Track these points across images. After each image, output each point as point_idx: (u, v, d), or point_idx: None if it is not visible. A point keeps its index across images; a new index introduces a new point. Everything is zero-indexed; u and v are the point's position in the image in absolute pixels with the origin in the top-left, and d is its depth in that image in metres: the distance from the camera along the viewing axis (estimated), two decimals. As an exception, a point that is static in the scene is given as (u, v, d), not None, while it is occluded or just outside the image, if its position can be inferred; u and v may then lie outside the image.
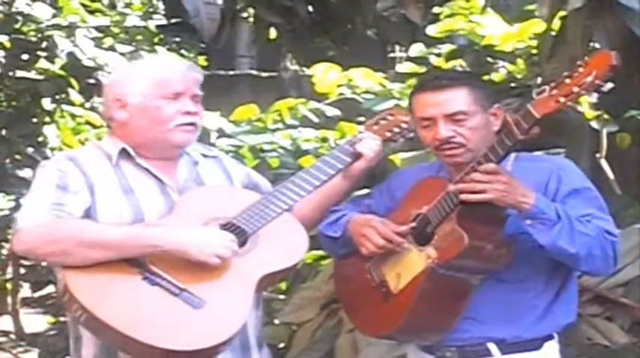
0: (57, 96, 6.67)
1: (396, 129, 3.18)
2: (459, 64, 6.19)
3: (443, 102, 2.85)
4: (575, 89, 2.57)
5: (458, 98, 2.86)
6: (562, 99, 2.58)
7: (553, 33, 4.06)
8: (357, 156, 3.11)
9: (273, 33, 5.12)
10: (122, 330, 2.63)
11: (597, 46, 3.58)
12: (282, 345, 4.64)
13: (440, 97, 2.86)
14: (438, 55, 6.78)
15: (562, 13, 3.73)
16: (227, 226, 2.85)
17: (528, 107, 2.62)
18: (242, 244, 2.83)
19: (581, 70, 2.58)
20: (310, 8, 4.88)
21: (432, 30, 6.56)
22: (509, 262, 2.78)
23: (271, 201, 2.95)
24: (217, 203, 2.94)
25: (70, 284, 2.72)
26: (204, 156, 3.09)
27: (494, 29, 6.41)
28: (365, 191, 3.26)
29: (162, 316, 2.68)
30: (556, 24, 3.84)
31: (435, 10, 6.32)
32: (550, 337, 2.89)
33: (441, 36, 6.52)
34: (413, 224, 2.83)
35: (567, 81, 2.59)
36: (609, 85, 2.57)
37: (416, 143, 3.15)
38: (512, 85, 5.72)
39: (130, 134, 2.96)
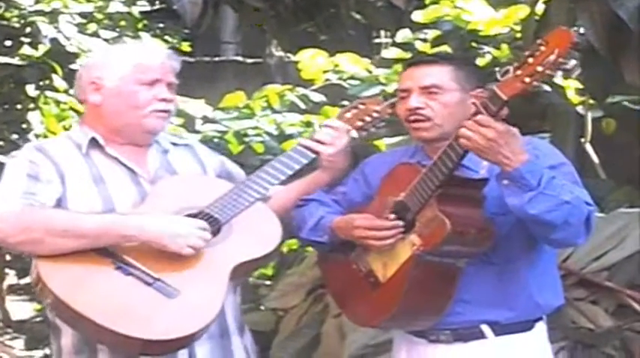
0: (41, 83, 6.64)
1: (367, 118, 3.17)
2: (444, 49, 6.19)
3: (421, 75, 2.89)
4: (540, 68, 2.54)
5: (436, 73, 2.89)
6: (527, 80, 2.56)
7: (537, 18, 4.06)
8: (320, 143, 3.10)
9: (257, 18, 5.11)
10: (96, 320, 2.61)
11: (582, 30, 3.58)
12: (268, 331, 4.64)
13: (419, 71, 2.90)
14: (424, 40, 6.78)
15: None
16: (200, 215, 2.83)
17: (494, 89, 2.60)
18: (216, 233, 2.81)
19: (542, 49, 2.55)
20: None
21: (417, 16, 6.56)
22: (492, 244, 2.78)
23: (244, 189, 2.92)
24: (190, 192, 2.92)
25: (43, 274, 2.70)
26: (174, 144, 3.08)
27: (479, 15, 6.41)
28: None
29: (137, 306, 2.66)
30: (540, 9, 3.84)
31: (421, -4, 6.33)
32: (539, 318, 2.91)
33: (427, 22, 6.52)
34: (392, 216, 2.81)
35: (530, 60, 2.56)
36: (573, 63, 2.56)
37: (401, 128, 3.14)
38: (496, 69, 5.71)
39: (101, 118, 2.94)
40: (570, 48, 2.53)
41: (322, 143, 3.08)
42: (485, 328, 2.85)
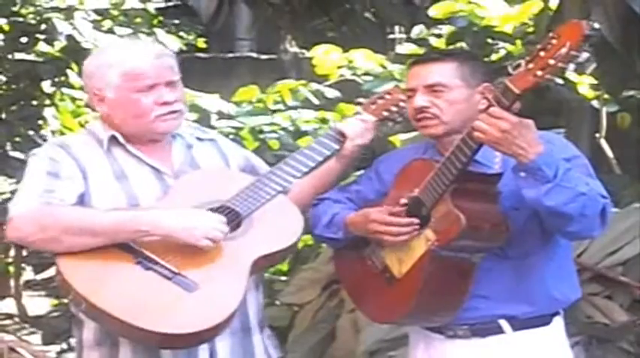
0: (56, 79, 6.65)
1: (394, 108, 3.16)
2: (459, 46, 6.19)
3: (425, 73, 2.88)
4: (552, 61, 2.53)
5: (439, 71, 2.87)
6: (539, 73, 2.54)
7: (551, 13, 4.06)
8: (343, 136, 3.10)
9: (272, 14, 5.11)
10: (117, 316, 2.62)
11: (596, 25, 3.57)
12: (283, 326, 4.65)
13: (424, 69, 2.89)
14: (438, 36, 6.79)
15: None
16: (221, 209, 2.83)
17: (506, 83, 2.59)
18: (236, 227, 2.82)
19: (554, 41, 2.54)
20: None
21: (432, 11, 6.57)
22: (507, 239, 2.78)
23: (265, 183, 2.92)
24: (213, 186, 2.92)
25: (64, 270, 2.71)
26: (199, 139, 3.06)
27: (494, 10, 6.42)
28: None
29: (157, 300, 2.67)
30: (554, 4, 3.84)
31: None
32: (557, 313, 2.91)
33: (442, 17, 6.53)
34: (404, 200, 2.81)
35: (542, 54, 2.55)
36: (585, 55, 2.55)
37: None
38: (508, 64, 5.72)
39: (114, 125, 2.92)
40: (582, 40, 2.51)
41: (347, 135, 3.08)
42: (503, 323, 2.84)
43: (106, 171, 2.88)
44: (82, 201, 2.82)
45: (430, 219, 2.76)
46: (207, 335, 2.71)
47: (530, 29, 5.81)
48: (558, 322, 2.92)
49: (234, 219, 2.83)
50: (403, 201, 2.82)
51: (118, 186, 2.86)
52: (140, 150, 2.92)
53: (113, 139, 2.92)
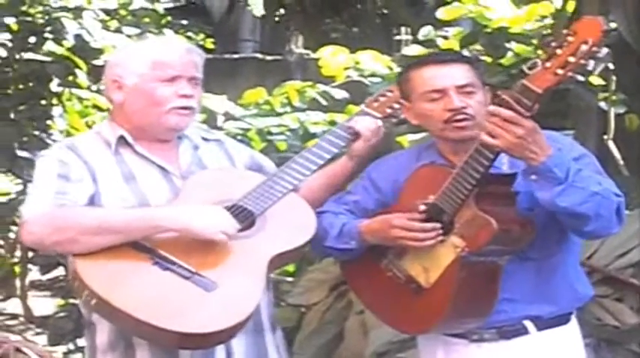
0: (64, 79, 6.65)
1: (397, 105, 3.15)
2: (474, 47, 6.19)
3: (454, 73, 2.87)
4: (572, 59, 2.53)
5: (466, 71, 2.89)
6: (560, 71, 2.54)
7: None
8: (357, 134, 3.11)
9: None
10: (135, 315, 2.63)
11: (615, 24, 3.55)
12: (291, 327, 4.64)
13: (450, 69, 2.88)
14: (445, 37, 6.77)
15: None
16: (234, 208, 2.84)
17: (525, 83, 2.58)
18: (250, 225, 2.83)
19: (570, 39, 2.53)
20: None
21: (440, 13, 6.57)
22: (534, 239, 2.78)
23: (276, 181, 2.94)
24: (222, 186, 2.93)
25: (81, 271, 2.72)
26: (205, 139, 3.08)
27: (501, 12, 6.41)
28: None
29: (175, 300, 2.68)
30: (571, 4, 3.82)
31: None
32: (573, 311, 2.94)
33: (450, 19, 6.53)
34: (423, 207, 2.79)
35: (558, 51, 2.55)
36: (605, 51, 2.54)
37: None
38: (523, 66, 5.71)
39: (126, 116, 2.95)
40: (603, 35, 2.51)
41: (362, 133, 3.09)
42: (528, 324, 2.86)
43: (115, 173, 2.89)
44: (92, 202, 2.84)
45: (453, 225, 2.74)
46: (227, 335, 2.72)
47: (545, 31, 5.80)
48: (574, 321, 2.95)
49: (248, 218, 2.83)
50: (422, 207, 2.80)
51: (127, 187, 2.87)
52: (148, 150, 2.93)
53: (121, 140, 2.93)
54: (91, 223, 2.73)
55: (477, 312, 2.83)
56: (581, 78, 2.57)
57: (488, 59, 5.94)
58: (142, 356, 2.82)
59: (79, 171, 2.86)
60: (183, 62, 2.93)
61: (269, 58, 12.03)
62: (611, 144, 5.95)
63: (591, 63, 2.55)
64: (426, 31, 7.03)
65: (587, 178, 2.68)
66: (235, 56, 12.20)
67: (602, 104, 5.79)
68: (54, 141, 6.28)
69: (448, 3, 6.72)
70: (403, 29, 10.27)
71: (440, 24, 6.82)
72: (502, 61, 6.04)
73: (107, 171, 2.89)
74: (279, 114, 6.65)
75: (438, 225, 2.77)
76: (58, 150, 2.97)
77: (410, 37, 9.08)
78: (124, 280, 2.70)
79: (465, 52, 5.92)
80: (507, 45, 6.04)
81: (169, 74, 2.90)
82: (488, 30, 6.18)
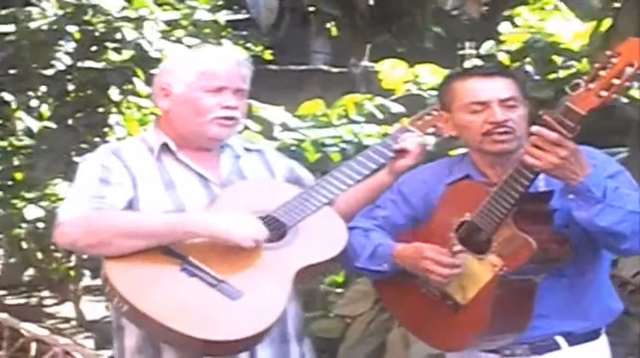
0: (123, 87, 6.74)
1: (440, 125, 3.14)
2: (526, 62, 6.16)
3: (498, 87, 2.87)
4: (616, 81, 2.51)
5: (509, 85, 2.88)
6: (604, 93, 2.52)
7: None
8: (401, 151, 3.10)
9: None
10: (161, 321, 2.66)
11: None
12: (336, 337, 4.66)
13: (494, 82, 2.88)
14: (507, 52, 6.75)
15: (616, 5, 3.69)
16: (266, 219, 2.86)
17: (568, 104, 2.56)
18: (281, 237, 2.85)
19: (614, 60, 2.52)
20: (371, 1, 4.87)
21: (503, 31, 6.54)
22: (572, 257, 2.76)
23: (312, 194, 2.96)
24: (259, 196, 2.95)
25: (111, 275, 2.76)
26: (247, 149, 3.11)
27: (564, 27, 6.37)
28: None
29: (200, 307, 2.71)
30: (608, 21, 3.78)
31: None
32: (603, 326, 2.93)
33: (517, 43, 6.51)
34: (456, 242, 2.79)
35: (602, 73, 2.53)
36: None
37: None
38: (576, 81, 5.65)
39: (171, 124, 2.99)
40: None
41: (407, 151, 3.08)
42: (559, 339, 2.85)
43: (156, 180, 2.92)
44: (130, 207, 2.88)
45: (491, 243, 2.73)
46: (250, 343, 2.74)
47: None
48: (604, 335, 2.93)
49: (280, 229, 2.85)
50: (457, 233, 2.79)
51: (166, 194, 2.90)
52: (190, 158, 2.95)
53: (164, 147, 2.96)
54: (124, 226, 2.77)
55: (513, 328, 2.82)
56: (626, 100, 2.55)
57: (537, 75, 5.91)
58: None
59: (120, 176, 2.90)
60: (230, 73, 2.97)
61: (335, 70, 12.07)
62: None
63: (635, 84, 2.53)
64: (488, 46, 7.00)
65: (624, 196, 2.66)
66: (302, 68, 12.27)
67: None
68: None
69: (512, 18, 6.70)
70: (467, 44, 10.26)
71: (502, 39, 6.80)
72: (561, 75, 5.99)
73: (148, 177, 2.93)
74: (335, 126, 6.67)
75: (460, 267, 2.77)
76: (102, 153, 3.01)
77: (474, 52, 9.04)
78: (151, 286, 2.74)
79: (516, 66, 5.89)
80: (560, 60, 5.99)
81: (215, 84, 2.94)
82: (540, 45, 6.13)
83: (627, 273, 3.60)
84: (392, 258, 2.91)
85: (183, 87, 2.96)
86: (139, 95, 6.72)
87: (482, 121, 2.85)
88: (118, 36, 6.64)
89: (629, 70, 2.50)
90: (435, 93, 7.24)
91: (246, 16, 8.62)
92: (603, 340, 2.93)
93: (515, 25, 6.81)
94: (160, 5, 7.12)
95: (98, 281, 6.68)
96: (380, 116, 6.92)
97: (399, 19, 4.95)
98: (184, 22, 7.33)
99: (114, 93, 6.72)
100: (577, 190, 2.62)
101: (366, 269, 2.98)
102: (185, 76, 2.96)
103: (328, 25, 5.09)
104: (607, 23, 3.83)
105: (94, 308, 7.47)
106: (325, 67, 12.36)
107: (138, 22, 6.69)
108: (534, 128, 2.62)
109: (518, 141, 2.83)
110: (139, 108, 6.87)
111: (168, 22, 7.05)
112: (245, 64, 3.05)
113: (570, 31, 6.43)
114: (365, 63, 10.39)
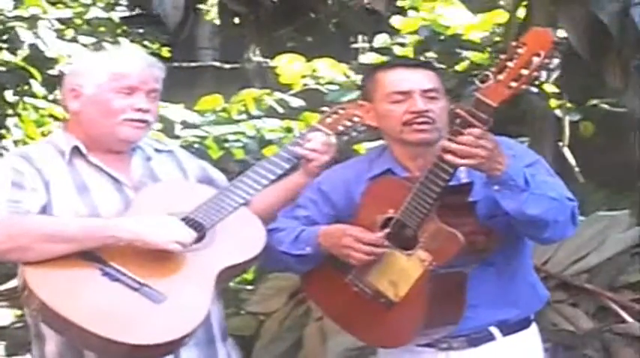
0: (19, 89, 6.60)
1: (348, 123, 3.15)
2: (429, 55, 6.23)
3: (420, 77, 2.88)
4: (525, 72, 2.53)
5: (432, 77, 2.90)
6: (514, 84, 2.54)
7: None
8: (311, 151, 3.10)
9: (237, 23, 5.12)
10: (84, 326, 2.61)
11: (565, 34, 3.59)
12: (249, 335, 4.64)
13: (416, 73, 2.89)
14: (402, 45, 6.81)
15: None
16: (185, 220, 2.82)
17: (478, 96, 2.57)
18: (200, 238, 2.82)
19: (520, 51, 2.54)
20: (275, -2, 4.88)
21: (396, 21, 6.59)
22: (498, 246, 2.79)
23: (228, 195, 2.93)
24: (174, 198, 2.91)
25: (30, 280, 2.69)
26: (158, 150, 3.06)
27: (456, 20, 6.46)
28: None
29: (124, 311, 2.66)
30: (521, 13, 3.86)
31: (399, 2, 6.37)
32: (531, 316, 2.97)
33: (407, 30, 6.57)
34: (388, 230, 2.78)
35: (510, 64, 2.55)
36: (556, 61, 2.55)
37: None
38: (475, 73, 5.75)
39: (81, 126, 2.93)
40: (554, 47, 2.52)
41: (315, 151, 3.09)
42: (494, 330, 2.87)
43: (68, 184, 2.86)
44: (43, 212, 2.80)
45: (417, 239, 2.73)
46: (174, 346, 2.71)
47: (497, 38, 5.85)
48: (534, 325, 2.97)
49: (198, 231, 2.82)
50: (386, 231, 2.78)
51: (79, 198, 2.85)
52: (101, 161, 2.91)
53: (75, 150, 2.91)
54: (45, 231, 2.71)
55: (447, 322, 2.83)
56: (534, 90, 2.59)
57: (443, 66, 5.98)
58: None
59: (32, 180, 2.83)
60: (143, 75, 2.91)
61: (227, 66, 12.00)
62: (567, 151, 6.01)
63: (543, 73, 2.56)
64: (381, 39, 7.06)
65: (542, 184, 2.70)
66: (193, 64, 12.17)
67: (557, 111, 5.86)
68: (8, 150, 6.22)
69: (404, 11, 6.75)
70: (360, 37, 10.31)
71: (395, 31, 6.86)
72: (458, 68, 6.08)
73: (60, 181, 2.87)
74: (236, 122, 6.65)
75: (384, 241, 2.77)
76: (12, 158, 2.94)
77: (366, 45, 9.10)
78: (72, 290, 2.68)
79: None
80: (459, 52, 6.09)
81: (127, 85, 2.88)
82: (442, 38, 6.22)
83: (537, 261, 3.66)
84: (316, 240, 2.88)
85: (94, 88, 2.90)
86: (35, 96, 6.58)
87: (403, 111, 2.86)
88: (12, 36, 6.48)
89: (535, 60, 2.52)
90: (333, 87, 7.32)
91: (141, 12, 8.55)
92: (534, 329, 2.97)
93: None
94: (53, 4, 6.98)
95: (3, 287, 6.56)
96: (280, 110, 6.92)
97: (303, 15, 4.96)
98: (78, 21, 7.20)
99: (9, 94, 6.56)
100: (501, 181, 2.64)
101: (289, 254, 2.94)
102: (96, 77, 2.91)
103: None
104: (520, 16, 3.91)
105: (3, 314, 7.31)
106: (217, 64, 12.28)
107: (31, 22, 6.54)
108: (456, 128, 2.61)
109: (439, 132, 2.84)
110: (36, 109, 6.73)
111: (62, 21, 6.92)
112: (158, 65, 3.00)
113: (463, 21, 6.51)
114: (258, 58, 10.37)
